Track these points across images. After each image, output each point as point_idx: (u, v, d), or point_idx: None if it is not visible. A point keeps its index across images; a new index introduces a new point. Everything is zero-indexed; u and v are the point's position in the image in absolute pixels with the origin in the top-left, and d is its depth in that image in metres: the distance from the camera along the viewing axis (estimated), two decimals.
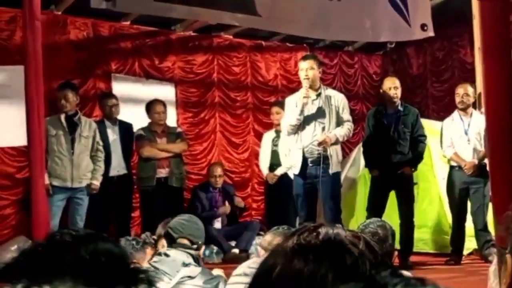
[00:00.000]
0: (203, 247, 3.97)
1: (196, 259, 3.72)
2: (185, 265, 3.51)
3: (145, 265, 3.81)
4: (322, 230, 0.96)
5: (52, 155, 6.65)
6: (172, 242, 3.74)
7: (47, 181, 6.03)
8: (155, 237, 4.11)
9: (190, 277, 3.40)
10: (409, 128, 7.08)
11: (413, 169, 7.13)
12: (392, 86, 7.11)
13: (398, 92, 7.13)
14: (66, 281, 0.93)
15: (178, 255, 3.57)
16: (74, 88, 7.05)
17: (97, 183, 6.93)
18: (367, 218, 5.98)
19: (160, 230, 4.17)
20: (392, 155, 6.98)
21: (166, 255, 3.57)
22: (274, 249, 0.98)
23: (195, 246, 3.66)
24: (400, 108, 7.13)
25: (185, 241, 3.73)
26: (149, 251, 4.01)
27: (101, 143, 7.08)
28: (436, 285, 0.91)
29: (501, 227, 1.44)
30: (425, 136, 7.17)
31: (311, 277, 0.89)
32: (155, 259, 3.61)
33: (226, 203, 8.28)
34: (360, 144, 8.61)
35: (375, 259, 0.92)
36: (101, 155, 7.05)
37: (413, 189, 7.20)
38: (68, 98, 6.82)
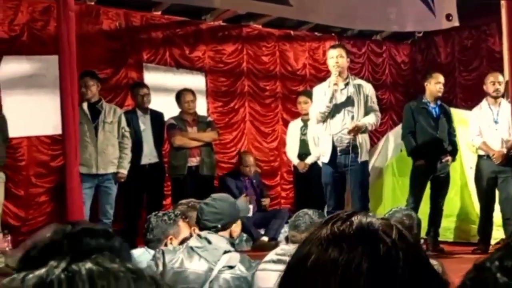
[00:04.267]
0: (239, 227, 3.86)
1: (233, 244, 3.69)
2: (226, 252, 3.47)
3: (181, 238, 3.87)
4: (355, 219, 0.98)
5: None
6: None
7: None
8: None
9: (230, 267, 3.45)
10: (449, 121, 7.38)
11: (452, 159, 7.36)
12: (441, 81, 7.42)
13: (442, 88, 7.45)
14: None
15: (220, 243, 3.50)
16: (93, 75, 7.10)
17: (124, 171, 7.00)
18: (411, 207, 6.14)
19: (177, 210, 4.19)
20: (438, 145, 7.19)
21: (208, 241, 3.49)
22: (308, 237, 1.01)
23: (213, 229, 3.64)
24: (439, 102, 7.42)
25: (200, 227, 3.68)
26: (181, 223, 3.91)
27: (127, 129, 7.13)
28: None
29: None
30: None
31: (346, 266, 0.92)
32: (196, 243, 3.50)
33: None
34: (388, 133, 8.67)
35: (407, 247, 0.96)
36: (128, 142, 7.10)
37: (450, 180, 7.38)
38: (88, 85, 6.91)
